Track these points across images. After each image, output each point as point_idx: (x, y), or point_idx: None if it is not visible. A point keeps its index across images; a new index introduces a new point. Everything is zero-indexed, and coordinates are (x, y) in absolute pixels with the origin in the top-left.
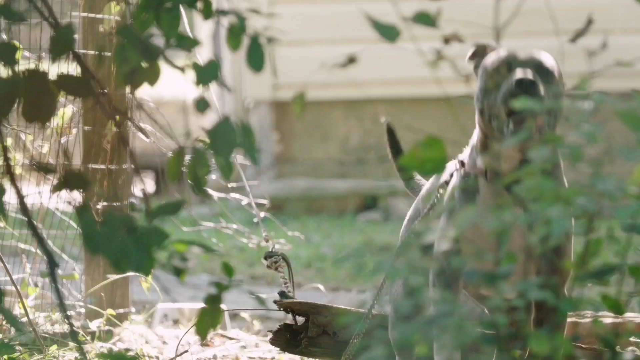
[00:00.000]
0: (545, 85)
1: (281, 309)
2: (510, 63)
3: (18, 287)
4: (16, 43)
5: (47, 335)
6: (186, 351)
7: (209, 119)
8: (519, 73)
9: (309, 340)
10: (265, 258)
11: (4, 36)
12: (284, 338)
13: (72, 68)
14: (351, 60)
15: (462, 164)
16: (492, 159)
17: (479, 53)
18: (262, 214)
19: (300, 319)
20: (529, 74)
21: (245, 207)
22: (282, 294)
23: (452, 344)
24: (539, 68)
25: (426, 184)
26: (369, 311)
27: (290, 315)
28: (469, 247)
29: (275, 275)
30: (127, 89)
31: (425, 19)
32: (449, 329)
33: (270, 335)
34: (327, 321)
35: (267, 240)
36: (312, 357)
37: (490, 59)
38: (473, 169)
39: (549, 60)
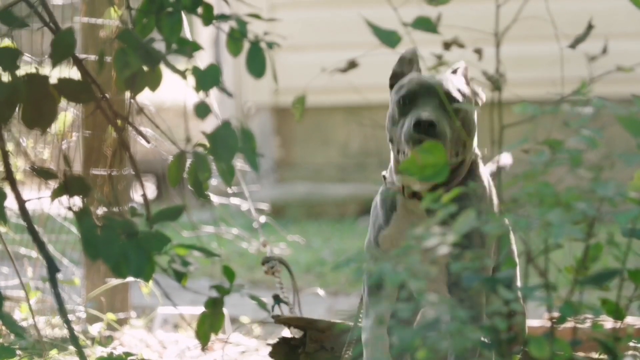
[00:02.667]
0: (447, 117)
1: (279, 324)
2: (415, 93)
3: (21, 291)
4: (17, 48)
5: (47, 340)
6: None
7: (210, 124)
8: (418, 113)
9: (307, 356)
10: (263, 263)
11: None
12: (283, 351)
13: (73, 73)
14: (352, 65)
15: (384, 178)
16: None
17: (399, 72)
18: (262, 219)
19: (298, 332)
20: (427, 114)
21: (245, 212)
22: (277, 298)
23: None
24: (446, 96)
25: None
26: (355, 321)
27: (287, 329)
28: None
29: (274, 280)
30: (128, 94)
31: (426, 25)
32: (447, 335)
33: (269, 349)
34: (324, 336)
35: (264, 245)
36: None
37: (398, 87)
38: (392, 185)
39: (456, 87)
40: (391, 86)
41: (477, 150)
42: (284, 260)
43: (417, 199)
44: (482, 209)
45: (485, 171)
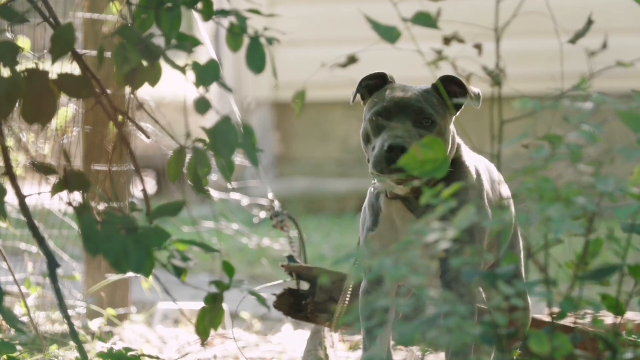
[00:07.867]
0: (420, 137)
1: (289, 272)
2: (389, 111)
3: (22, 286)
4: (18, 43)
5: (47, 335)
6: (187, 354)
7: (210, 119)
8: (390, 135)
9: (315, 306)
10: (271, 217)
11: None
12: (288, 302)
13: (73, 68)
14: (351, 60)
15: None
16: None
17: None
18: (262, 214)
19: (305, 286)
20: (399, 139)
21: (245, 208)
22: (290, 258)
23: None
24: (419, 114)
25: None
26: (349, 279)
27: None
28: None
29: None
30: (128, 89)
31: (426, 20)
32: (449, 329)
33: (274, 299)
34: (334, 287)
35: (272, 201)
36: (316, 322)
37: (372, 102)
38: (376, 186)
39: (431, 102)
40: (362, 88)
41: (459, 140)
42: (293, 216)
43: (399, 200)
44: (466, 202)
45: (472, 162)
